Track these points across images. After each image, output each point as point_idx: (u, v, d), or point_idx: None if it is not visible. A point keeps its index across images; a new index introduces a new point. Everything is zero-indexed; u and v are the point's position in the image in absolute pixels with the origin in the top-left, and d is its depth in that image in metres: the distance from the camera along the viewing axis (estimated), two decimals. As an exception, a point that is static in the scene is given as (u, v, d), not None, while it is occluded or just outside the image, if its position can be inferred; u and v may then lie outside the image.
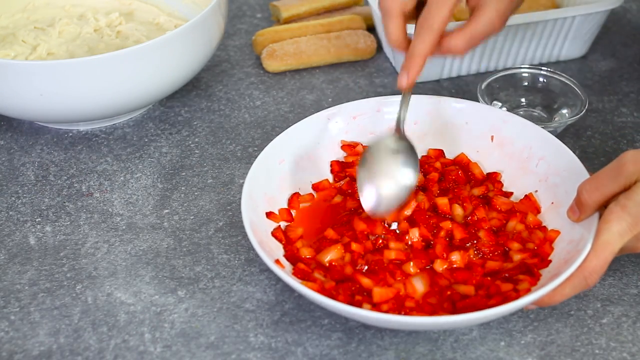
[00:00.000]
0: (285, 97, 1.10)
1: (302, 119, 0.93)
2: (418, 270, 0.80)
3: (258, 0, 1.29)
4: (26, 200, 0.95)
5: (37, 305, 0.83)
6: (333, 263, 0.81)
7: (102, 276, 0.86)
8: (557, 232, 0.84)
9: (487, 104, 1.01)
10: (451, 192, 0.90)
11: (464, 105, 0.95)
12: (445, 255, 0.81)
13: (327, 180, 0.92)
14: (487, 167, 0.93)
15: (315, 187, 0.91)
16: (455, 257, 0.81)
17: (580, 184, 0.79)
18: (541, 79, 1.06)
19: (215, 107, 1.08)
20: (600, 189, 0.77)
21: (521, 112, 1.04)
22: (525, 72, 1.06)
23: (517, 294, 0.77)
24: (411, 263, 0.80)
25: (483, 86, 1.04)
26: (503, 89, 1.06)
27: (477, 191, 0.89)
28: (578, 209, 0.80)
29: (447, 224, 0.84)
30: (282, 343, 0.79)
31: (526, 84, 1.07)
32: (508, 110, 1.04)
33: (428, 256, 0.82)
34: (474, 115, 0.94)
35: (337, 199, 0.90)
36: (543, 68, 1.06)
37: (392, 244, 0.82)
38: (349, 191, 0.90)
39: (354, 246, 0.82)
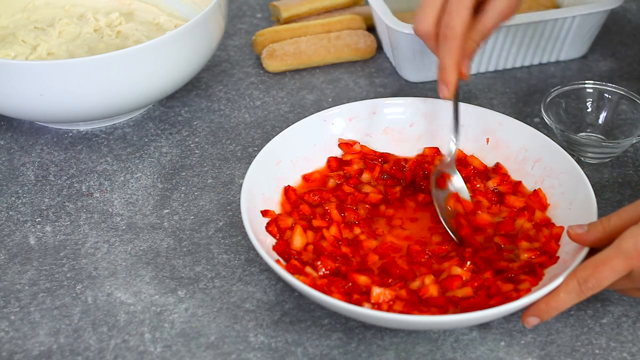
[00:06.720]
0: (285, 97, 1.10)
1: (302, 118, 0.93)
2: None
3: (258, 0, 1.29)
4: (26, 200, 0.95)
5: (37, 305, 0.83)
6: (321, 246, 0.82)
7: (102, 276, 0.86)
8: (562, 228, 0.83)
9: (552, 120, 0.97)
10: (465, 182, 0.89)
11: (460, 107, 0.94)
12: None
13: (317, 171, 0.92)
14: (482, 170, 0.93)
15: (307, 178, 0.91)
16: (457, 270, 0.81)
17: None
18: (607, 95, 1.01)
19: (215, 107, 1.08)
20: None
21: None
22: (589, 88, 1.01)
23: (517, 294, 0.77)
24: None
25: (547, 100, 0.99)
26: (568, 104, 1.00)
27: (491, 184, 0.89)
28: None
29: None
30: (282, 343, 0.79)
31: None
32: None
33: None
34: (469, 118, 0.94)
35: (331, 183, 0.91)
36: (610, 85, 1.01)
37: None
38: (348, 175, 0.91)
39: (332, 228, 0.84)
